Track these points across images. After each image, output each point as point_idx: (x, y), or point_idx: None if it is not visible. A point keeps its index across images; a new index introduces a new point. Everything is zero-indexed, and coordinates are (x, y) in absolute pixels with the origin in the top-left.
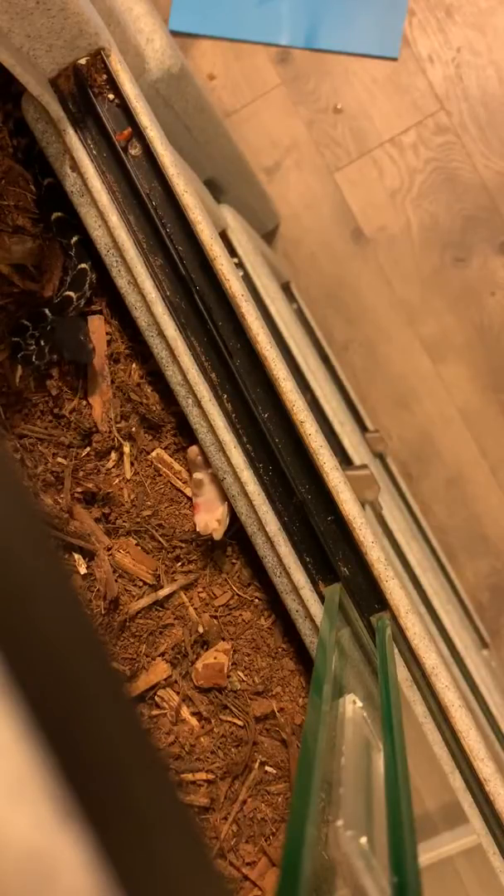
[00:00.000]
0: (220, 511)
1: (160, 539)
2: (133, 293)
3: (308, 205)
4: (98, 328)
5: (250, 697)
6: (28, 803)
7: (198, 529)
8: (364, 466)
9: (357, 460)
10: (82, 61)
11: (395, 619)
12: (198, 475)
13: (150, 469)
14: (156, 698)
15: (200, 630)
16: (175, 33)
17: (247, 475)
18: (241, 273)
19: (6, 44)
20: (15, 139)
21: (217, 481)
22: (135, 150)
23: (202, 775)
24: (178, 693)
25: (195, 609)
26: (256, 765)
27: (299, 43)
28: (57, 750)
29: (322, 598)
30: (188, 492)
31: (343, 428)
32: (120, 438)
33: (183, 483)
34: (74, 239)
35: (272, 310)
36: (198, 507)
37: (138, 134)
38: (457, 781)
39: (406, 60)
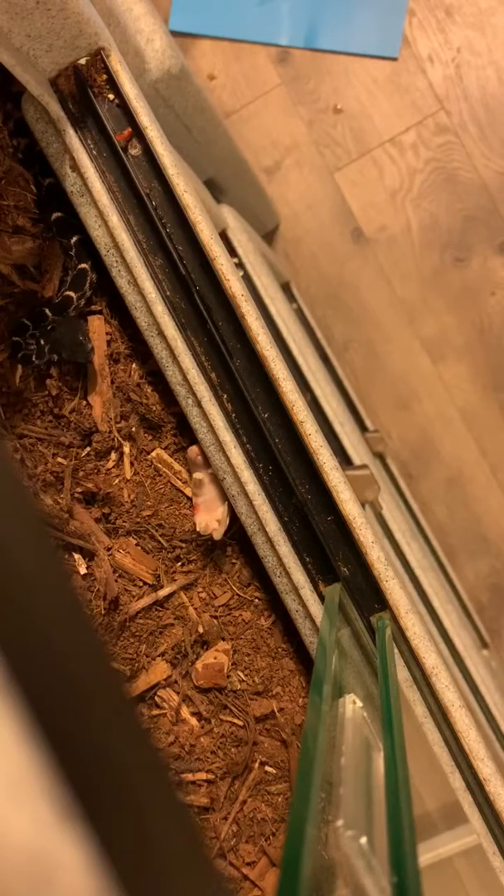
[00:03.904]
0: (220, 511)
1: (160, 539)
2: (133, 293)
3: (308, 205)
4: (98, 328)
5: (250, 697)
6: (28, 803)
7: (198, 529)
8: (364, 466)
9: (357, 460)
10: (82, 61)
11: (395, 619)
12: (198, 475)
13: (150, 469)
14: (156, 698)
15: (200, 630)
16: (175, 33)
17: (247, 475)
18: (241, 273)
19: (6, 44)
20: (15, 139)
21: (217, 481)
22: (135, 150)
23: (202, 775)
24: (178, 693)
25: (195, 609)
26: (256, 765)
27: (299, 43)
28: (57, 750)
29: (322, 598)
30: (188, 492)
31: (343, 428)
32: (120, 438)
33: (183, 483)
34: (74, 239)
35: (272, 310)
36: (198, 507)
37: (138, 134)
38: (457, 781)
39: (406, 60)
